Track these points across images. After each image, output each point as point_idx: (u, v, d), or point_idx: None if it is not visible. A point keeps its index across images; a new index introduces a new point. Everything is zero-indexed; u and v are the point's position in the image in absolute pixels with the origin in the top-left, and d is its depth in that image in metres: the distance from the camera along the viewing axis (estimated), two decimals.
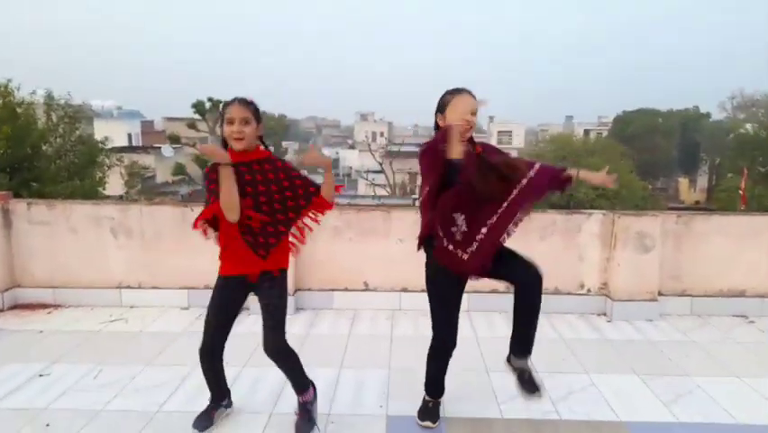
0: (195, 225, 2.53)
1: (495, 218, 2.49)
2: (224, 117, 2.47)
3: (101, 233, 4.61)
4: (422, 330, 4.13)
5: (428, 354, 2.79)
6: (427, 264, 2.65)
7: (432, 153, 2.40)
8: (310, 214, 2.64)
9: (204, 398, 3.09)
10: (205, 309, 2.58)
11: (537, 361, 3.55)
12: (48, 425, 2.80)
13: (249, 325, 3.58)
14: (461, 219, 2.46)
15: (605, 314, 4.45)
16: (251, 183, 2.48)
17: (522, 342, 2.61)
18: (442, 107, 2.53)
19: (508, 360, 2.69)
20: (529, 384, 2.63)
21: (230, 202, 2.37)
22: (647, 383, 3.29)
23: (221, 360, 2.74)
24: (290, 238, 2.65)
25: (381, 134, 55.96)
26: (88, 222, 4.60)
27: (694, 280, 4.47)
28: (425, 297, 4.54)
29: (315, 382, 2.82)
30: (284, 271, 2.66)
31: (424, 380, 2.84)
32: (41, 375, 3.34)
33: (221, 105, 2.43)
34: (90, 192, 13.53)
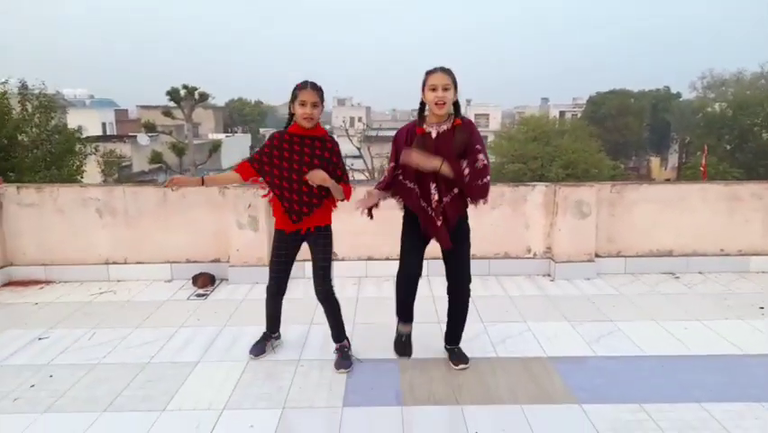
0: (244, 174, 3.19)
1: (451, 196, 3.03)
2: (297, 98, 3.02)
3: (87, 213, 4.97)
4: (385, 293, 4.61)
5: (396, 282, 3.29)
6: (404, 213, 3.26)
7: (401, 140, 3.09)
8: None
9: (188, 351, 3.55)
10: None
11: (484, 313, 4.08)
12: (51, 376, 3.21)
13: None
14: (433, 188, 3.01)
15: (549, 274, 4.97)
16: (305, 154, 3.08)
17: (453, 336, 3.35)
18: (422, 86, 3.02)
19: (445, 346, 3.39)
20: (459, 357, 3.30)
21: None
22: (575, 328, 3.81)
23: (282, 298, 3.42)
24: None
25: (359, 119, 55.97)
26: (74, 203, 4.95)
27: (627, 243, 5.01)
28: (388, 264, 5.02)
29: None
30: (329, 227, 3.31)
31: (392, 311, 3.35)
32: (40, 338, 3.74)
33: (294, 88, 3.06)
34: (68, 181, 13.69)
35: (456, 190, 3.00)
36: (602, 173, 24.96)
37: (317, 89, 3.06)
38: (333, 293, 3.32)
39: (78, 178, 14.37)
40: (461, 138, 2.94)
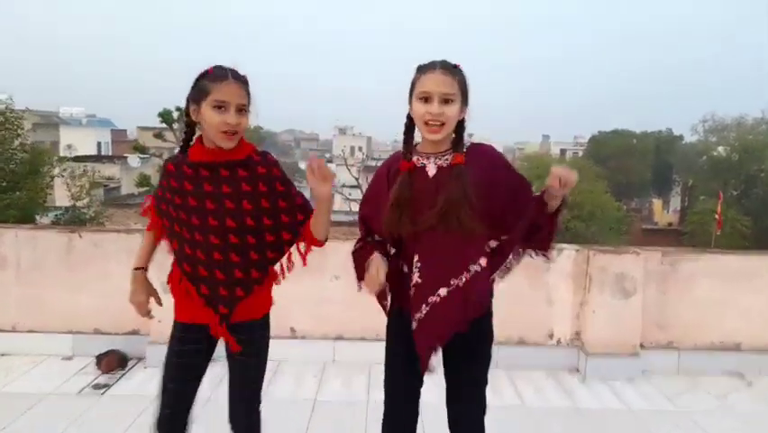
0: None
1: (465, 277, 1.74)
2: (208, 96, 1.70)
3: None
4: (356, 392, 3.36)
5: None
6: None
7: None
8: (300, 248, 1.91)
9: None
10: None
11: None
12: None
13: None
14: (415, 262, 1.76)
15: (578, 370, 3.73)
16: (215, 197, 1.77)
17: None
18: (410, 90, 1.77)
19: None
20: None
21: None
22: None
23: None
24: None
25: (360, 149, 55.46)
26: None
27: (681, 330, 3.78)
28: (362, 346, 3.79)
29: None
30: (267, 318, 1.96)
31: None
32: None
33: (199, 77, 1.74)
34: (30, 204, 12.51)
35: (477, 268, 1.75)
36: (607, 215, 23.82)
37: (244, 82, 1.78)
38: (259, 425, 2.04)
39: (40, 201, 13.18)
40: (458, 185, 1.69)
